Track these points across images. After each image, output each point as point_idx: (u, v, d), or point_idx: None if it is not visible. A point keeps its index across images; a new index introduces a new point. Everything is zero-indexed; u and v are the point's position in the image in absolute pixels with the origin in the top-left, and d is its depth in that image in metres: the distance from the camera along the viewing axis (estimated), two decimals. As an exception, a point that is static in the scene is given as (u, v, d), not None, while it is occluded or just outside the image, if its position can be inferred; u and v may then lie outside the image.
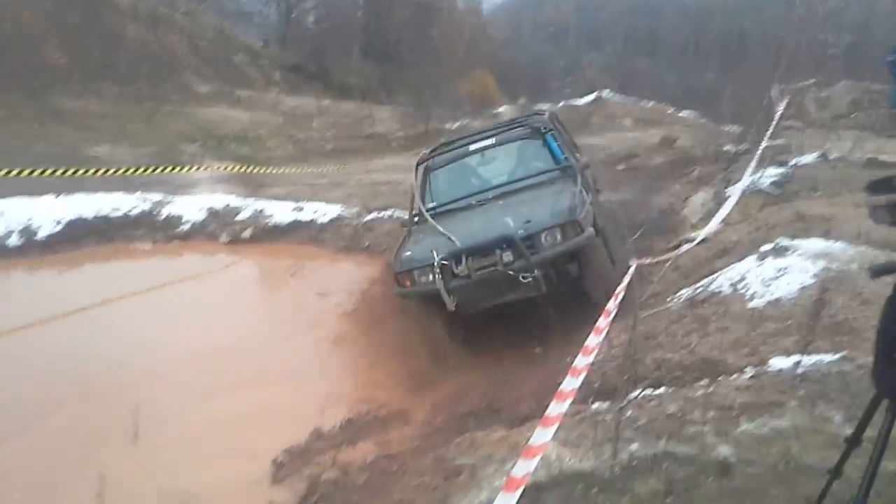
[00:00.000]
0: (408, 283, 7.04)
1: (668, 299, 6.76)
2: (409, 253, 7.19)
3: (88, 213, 11.15)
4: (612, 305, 4.89)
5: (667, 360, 5.17)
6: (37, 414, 6.16)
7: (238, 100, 26.74)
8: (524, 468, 2.94)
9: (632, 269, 5.49)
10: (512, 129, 8.66)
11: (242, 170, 17.02)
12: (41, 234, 10.52)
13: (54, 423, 6.09)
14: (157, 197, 12.08)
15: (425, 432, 5.87)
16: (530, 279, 6.70)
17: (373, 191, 14.49)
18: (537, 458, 3.01)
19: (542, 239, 6.70)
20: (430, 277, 6.78)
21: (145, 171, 14.98)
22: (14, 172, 12.51)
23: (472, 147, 8.45)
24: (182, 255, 10.95)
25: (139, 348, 7.34)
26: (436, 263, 6.69)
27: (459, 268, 6.71)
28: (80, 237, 10.80)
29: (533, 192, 7.58)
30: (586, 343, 4.11)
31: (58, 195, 11.34)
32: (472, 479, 3.97)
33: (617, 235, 8.04)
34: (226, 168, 16.79)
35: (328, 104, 28.65)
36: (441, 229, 7.20)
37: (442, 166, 8.52)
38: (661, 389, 4.61)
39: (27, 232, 10.48)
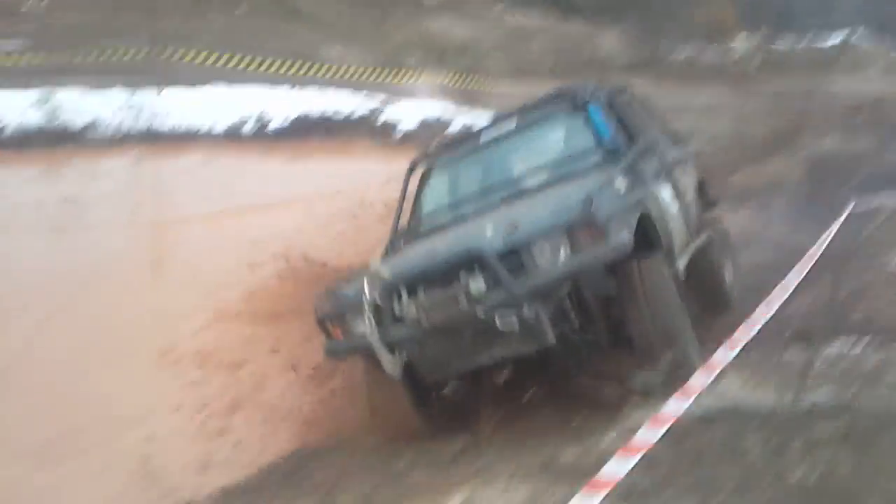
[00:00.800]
0: (338, 334, 4.82)
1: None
2: (342, 289, 4.89)
3: (317, 110, 11.91)
4: (825, 237, 4.63)
5: (877, 314, 4.92)
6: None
7: (463, 14, 26.99)
8: (700, 381, 3.01)
9: (848, 210, 5.13)
10: (542, 105, 6.09)
11: (458, 84, 17.37)
12: (273, 125, 11.38)
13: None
14: (378, 101, 12.69)
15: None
16: (514, 321, 4.13)
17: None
18: (715, 373, 3.06)
19: (536, 254, 4.18)
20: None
21: (371, 74, 15.70)
22: (254, 65, 13.54)
23: (484, 138, 6.10)
24: (394, 160, 11.47)
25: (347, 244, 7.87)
26: (366, 301, 4.41)
27: (401, 307, 4.39)
28: (308, 130, 11.57)
29: (560, 188, 5.10)
30: (785, 280, 4.02)
31: (292, 87, 12.20)
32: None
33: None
34: (443, 80, 17.21)
35: (551, 23, 28.23)
36: (378, 260, 5.02)
37: (444, 167, 6.33)
38: (864, 344, 4.41)
39: (261, 120, 11.36)
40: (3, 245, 6.47)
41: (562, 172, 5.35)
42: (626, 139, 5.51)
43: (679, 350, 4.21)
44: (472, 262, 4.23)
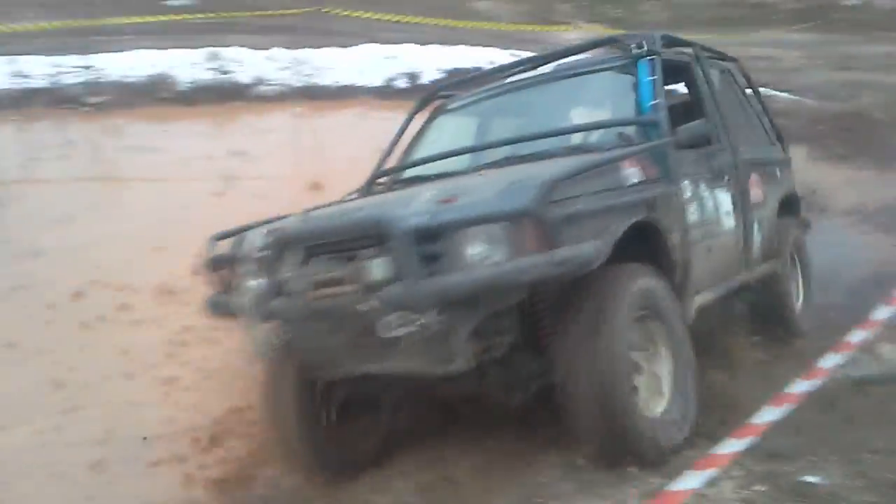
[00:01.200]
0: (225, 285, 3.75)
1: None
2: (251, 231, 3.75)
3: (467, 64, 12.02)
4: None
5: None
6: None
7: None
8: (858, 336, 3.03)
9: None
10: (588, 53, 4.95)
11: (610, 32, 17.07)
12: (424, 81, 11.60)
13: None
14: (523, 56, 12.65)
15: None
16: (398, 329, 2.98)
17: (750, 66, 13.75)
18: (873, 331, 3.08)
19: (460, 243, 2.92)
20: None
21: (520, 29, 15.68)
22: (406, 21, 13.84)
23: (509, 83, 4.99)
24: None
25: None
26: (247, 254, 3.35)
27: (286, 272, 3.24)
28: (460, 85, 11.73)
29: (556, 161, 3.75)
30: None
31: (442, 44, 12.37)
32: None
33: None
34: (595, 32, 16.90)
35: (715, -35, 26.94)
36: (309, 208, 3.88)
37: (452, 111, 5.23)
38: None
39: (412, 77, 11.61)
40: (179, 191, 7.06)
41: (580, 141, 4.12)
42: (682, 117, 4.16)
43: (618, 422, 3.02)
44: (373, 233, 3.06)
